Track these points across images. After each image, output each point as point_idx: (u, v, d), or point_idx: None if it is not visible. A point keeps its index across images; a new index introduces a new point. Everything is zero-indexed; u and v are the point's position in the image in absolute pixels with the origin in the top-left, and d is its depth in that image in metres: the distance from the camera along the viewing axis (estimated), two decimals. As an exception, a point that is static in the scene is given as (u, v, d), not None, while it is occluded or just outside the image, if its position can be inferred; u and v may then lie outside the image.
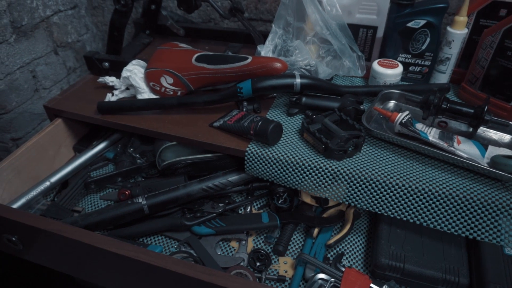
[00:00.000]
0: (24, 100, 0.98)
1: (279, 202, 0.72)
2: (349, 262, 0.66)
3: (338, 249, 0.68)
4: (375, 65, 0.81)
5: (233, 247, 0.70)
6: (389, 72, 0.79)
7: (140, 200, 0.67)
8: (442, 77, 0.82)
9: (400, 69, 0.79)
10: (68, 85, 1.12)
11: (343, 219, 0.70)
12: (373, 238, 0.66)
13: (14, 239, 0.62)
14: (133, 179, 0.82)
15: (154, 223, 0.68)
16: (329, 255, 0.67)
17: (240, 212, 0.75)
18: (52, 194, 0.79)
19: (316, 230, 0.68)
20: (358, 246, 0.69)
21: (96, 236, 0.56)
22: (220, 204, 0.70)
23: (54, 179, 0.75)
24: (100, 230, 0.71)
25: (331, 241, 0.66)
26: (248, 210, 0.74)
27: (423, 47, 0.80)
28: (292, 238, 0.70)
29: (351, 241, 0.70)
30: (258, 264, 0.65)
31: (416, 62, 0.83)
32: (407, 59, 0.83)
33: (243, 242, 0.69)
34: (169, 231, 0.70)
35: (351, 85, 0.83)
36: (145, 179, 0.81)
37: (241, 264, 0.65)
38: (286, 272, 0.65)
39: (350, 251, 0.68)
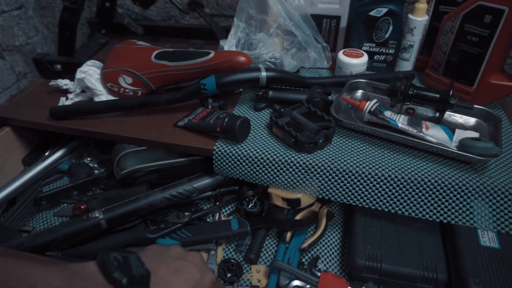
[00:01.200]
0: (-31, 111, 0.89)
1: (249, 206, 0.69)
2: (325, 265, 0.64)
3: (312, 252, 0.65)
4: (341, 55, 0.80)
5: None
6: (355, 61, 0.78)
7: (97, 215, 0.61)
8: (406, 65, 0.82)
9: (365, 58, 0.79)
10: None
11: (316, 220, 0.68)
12: (349, 238, 0.64)
13: None
14: (90, 192, 0.76)
15: (113, 238, 0.63)
16: (303, 260, 0.64)
17: (208, 220, 0.71)
18: None
19: (289, 234, 0.65)
20: (333, 247, 0.66)
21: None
22: (186, 213, 0.66)
23: (-1, 197, 0.67)
24: (53, 251, 0.64)
25: (305, 245, 0.63)
26: (217, 217, 0.70)
27: (387, 36, 0.80)
28: (264, 244, 0.66)
29: (326, 243, 0.67)
30: (229, 275, 0.61)
31: (381, 50, 0.83)
32: (371, 48, 0.83)
33: (212, 252, 0.65)
34: (131, 246, 0.64)
35: (318, 76, 0.82)
36: (103, 191, 0.75)
37: None
38: (259, 281, 0.61)
39: (325, 253, 0.65)
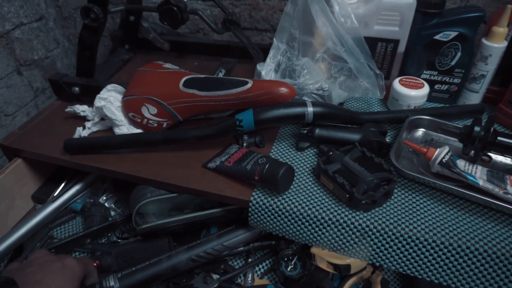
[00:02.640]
0: (-18, 131, 0.83)
1: (288, 269, 0.58)
2: None
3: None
4: (396, 85, 0.68)
5: None
6: (414, 93, 0.67)
7: (112, 283, 0.52)
8: (475, 97, 0.70)
9: (426, 89, 0.67)
10: (36, 108, 0.97)
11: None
12: None
13: None
14: (105, 238, 0.68)
15: None
16: None
17: (239, 280, 0.61)
18: (2, 263, 0.62)
19: None
20: None
21: None
22: (214, 276, 0.56)
23: (3, 245, 0.59)
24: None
25: None
26: (250, 278, 0.60)
27: (452, 63, 0.68)
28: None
29: None
30: None
31: (443, 79, 0.71)
32: (432, 77, 0.71)
33: None
34: None
35: (370, 111, 0.71)
36: (118, 244, 0.66)
37: None
38: None
39: None
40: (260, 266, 0.63)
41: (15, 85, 0.89)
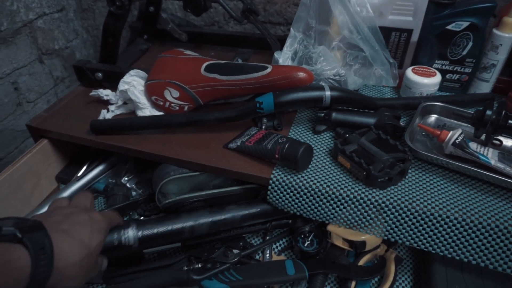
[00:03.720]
0: (5, 116, 0.86)
1: (305, 245, 0.61)
2: None
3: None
4: (409, 73, 0.71)
5: None
6: (426, 81, 0.69)
7: (131, 233, 0.55)
8: (485, 86, 0.72)
9: (438, 77, 0.69)
10: (56, 97, 1.00)
11: (384, 269, 0.59)
12: None
13: None
14: (127, 216, 0.70)
15: (155, 277, 0.55)
16: None
17: (258, 257, 0.63)
18: None
19: (353, 284, 0.57)
20: None
21: None
22: (234, 251, 0.58)
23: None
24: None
25: None
26: (268, 255, 0.62)
27: (464, 53, 0.70)
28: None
29: None
30: None
31: (455, 69, 0.73)
32: (444, 66, 0.73)
33: None
34: (174, 286, 0.58)
35: (384, 97, 0.73)
36: (140, 217, 0.69)
37: None
38: None
39: None
40: (278, 244, 0.65)
41: (37, 73, 0.92)
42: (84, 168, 0.74)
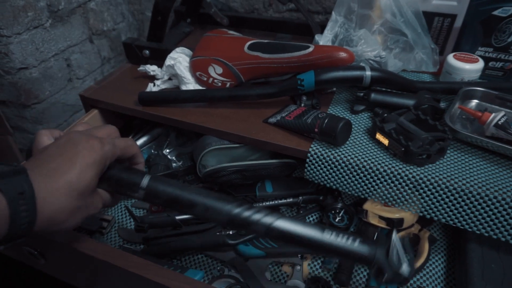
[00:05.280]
0: (57, 90, 0.92)
1: (336, 220, 0.62)
2: None
3: (412, 281, 0.57)
4: (451, 59, 0.70)
5: (285, 273, 0.60)
6: (468, 67, 0.69)
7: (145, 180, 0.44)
8: (530, 75, 0.71)
9: (481, 64, 0.69)
10: (102, 75, 1.06)
11: (417, 246, 0.60)
12: (460, 273, 0.55)
13: (35, 252, 0.54)
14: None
15: (191, 240, 0.59)
16: None
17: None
18: None
19: None
20: (437, 279, 0.57)
21: (131, 259, 0.47)
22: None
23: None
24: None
25: None
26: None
27: (510, 39, 0.69)
28: (355, 265, 0.59)
29: (428, 273, 0.58)
30: None
31: (499, 57, 0.72)
32: (487, 53, 0.73)
33: (298, 267, 0.59)
34: (209, 250, 0.60)
35: (425, 80, 0.73)
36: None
37: None
38: None
39: (427, 284, 0.56)
40: (310, 219, 0.67)
41: (87, 52, 0.98)
42: (130, 138, 0.78)
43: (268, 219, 0.43)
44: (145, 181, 0.44)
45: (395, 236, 0.43)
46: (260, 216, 0.43)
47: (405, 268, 0.41)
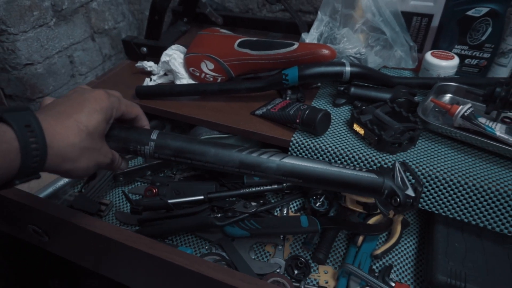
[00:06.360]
0: (61, 85, 0.97)
1: (316, 205, 0.67)
2: (397, 276, 0.60)
3: (384, 260, 0.62)
4: (428, 56, 0.75)
5: (268, 252, 0.64)
6: (444, 64, 0.73)
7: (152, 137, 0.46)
8: (503, 71, 0.75)
9: (456, 61, 0.74)
10: (103, 72, 1.12)
11: (390, 227, 0.64)
12: (427, 251, 0.59)
13: (40, 230, 0.59)
14: (162, 174, 0.79)
15: (182, 221, 0.63)
16: (374, 267, 0.61)
17: (275, 214, 0.70)
18: (79, 185, 0.75)
19: (360, 238, 0.62)
20: (408, 258, 0.62)
21: (126, 233, 0.52)
22: (253, 203, 0.66)
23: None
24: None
25: (378, 251, 0.60)
26: (285, 212, 0.69)
27: (483, 38, 0.74)
28: (332, 246, 0.64)
29: (399, 252, 0.63)
30: (296, 272, 0.60)
31: (474, 54, 0.77)
32: (463, 51, 0.77)
33: (280, 247, 0.63)
34: (199, 231, 0.66)
35: (402, 76, 0.78)
36: (174, 177, 0.77)
37: (278, 271, 0.60)
38: (327, 282, 0.59)
39: (399, 263, 0.61)
40: (294, 204, 0.72)
41: (89, 49, 1.04)
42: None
43: (276, 157, 0.46)
44: (154, 134, 0.46)
45: (398, 164, 0.48)
46: (268, 155, 0.46)
47: (410, 191, 0.46)
